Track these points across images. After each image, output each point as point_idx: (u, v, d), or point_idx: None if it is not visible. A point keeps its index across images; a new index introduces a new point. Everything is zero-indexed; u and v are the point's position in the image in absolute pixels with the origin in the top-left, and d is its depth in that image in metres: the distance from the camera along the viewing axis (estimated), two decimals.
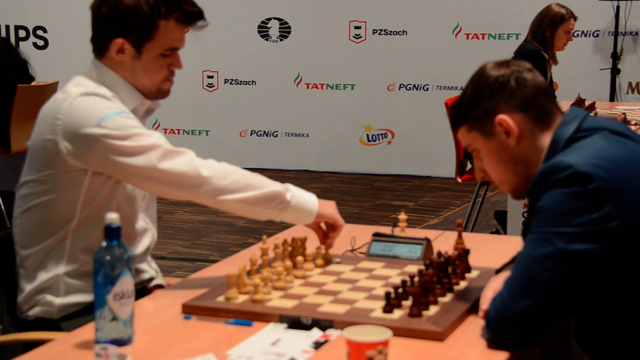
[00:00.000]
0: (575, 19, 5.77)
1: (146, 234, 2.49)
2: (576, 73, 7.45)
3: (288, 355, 1.76)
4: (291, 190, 2.29)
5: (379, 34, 8.10)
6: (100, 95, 2.27)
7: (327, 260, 2.34)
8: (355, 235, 2.57)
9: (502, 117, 1.95)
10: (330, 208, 2.35)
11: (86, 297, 2.31)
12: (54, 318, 2.31)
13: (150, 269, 2.54)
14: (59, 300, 2.31)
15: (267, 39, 8.34)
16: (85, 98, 2.24)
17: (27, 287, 2.33)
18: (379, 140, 8.25)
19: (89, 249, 2.31)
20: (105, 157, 2.20)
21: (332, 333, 1.88)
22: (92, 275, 2.28)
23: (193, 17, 2.35)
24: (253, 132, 8.50)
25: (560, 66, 5.94)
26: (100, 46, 2.34)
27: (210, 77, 8.50)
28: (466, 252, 2.23)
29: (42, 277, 2.31)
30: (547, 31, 5.69)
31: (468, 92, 2.00)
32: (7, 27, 8.84)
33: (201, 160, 2.25)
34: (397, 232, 2.57)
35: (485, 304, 1.91)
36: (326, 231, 2.38)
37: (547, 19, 5.70)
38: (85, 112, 2.21)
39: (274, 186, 2.26)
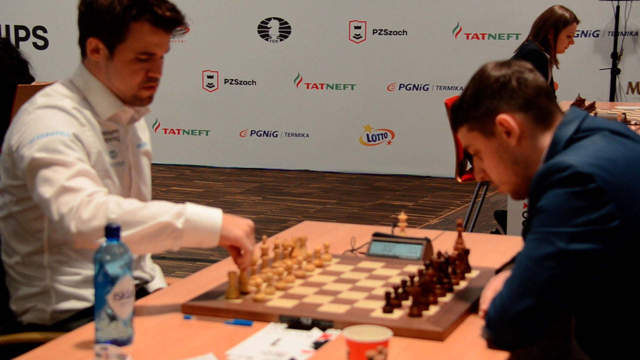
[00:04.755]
0: (577, 22, 5.75)
1: None
2: (576, 73, 7.45)
3: (288, 355, 1.76)
4: (185, 215, 2.04)
5: (379, 34, 8.10)
6: (58, 107, 2.23)
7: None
8: (355, 235, 2.57)
9: (503, 117, 1.95)
10: (237, 230, 2.06)
11: (79, 304, 2.31)
12: (47, 324, 2.30)
13: (144, 274, 2.53)
14: (51, 308, 2.30)
15: (267, 39, 8.34)
16: (39, 112, 2.22)
17: (17, 293, 2.33)
18: (379, 140, 8.25)
19: (72, 263, 2.30)
20: (25, 176, 2.17)
21: (332, 333, 1.88)
22: (83, 284, 2.30)
23: (166, 21, 2.26)
24: (253, 132, 8.50)
25: (561, 66, 5.94)
26: (81, 46, 2.33)
27: (210, 77, 8.50)
28: (466, 252, 2.23)
29: (29, 285, 2.31)
30: (550, 34, 5.67)
31: (469, 92, 2.00)
32: (7, 27, 8.85)
33: (83, 204, 2.05)
34: (397, 232, 2.57)
35: (485, 304, 1.91)
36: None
37: (551, 22, 5.67)
38: (29, 128, 2.19)
39: (160, 217, 2.03)
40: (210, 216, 2.06)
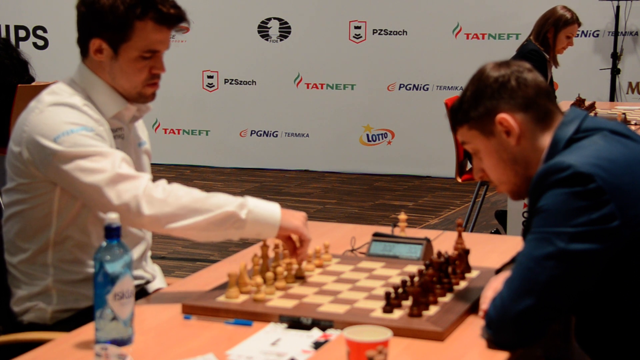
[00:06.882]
0: (579, 24, 5.75)
1: (140, 241, 2.47)
2: (576, 73, 7.45)
3: (288, 355, 1.76)
4: (248, 206, 2.14)
5: (379, 34, 8.10)
6: (70, 105, 2.23)
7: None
8: (355, 235, 2.57)
9: (503, 116, 1.95)
10: (296, 220, 2.18)
11: (80, 304, 2.30)
12: (48, 324, 2.30)
13: (145, 273, 2.53)
14: (51, 308, 2.30)
15: (267, 39, 8.34)
16: (53, 109, 2.22)
17: (18, 293, 2.32)
18: (379, 140, 8.25)
19: (75, 261, 2.30)
20: (58, 172, 2.17)
21: (332, 333, 1.88)
22: (85, 283, 2.30)
23: (170, 18, 2.28)
24: (253, 132, 8.50)
25: (561, 66, 5.94)
26: (82, 47, 2.33)
27: (210, 77, 8.50)
28: (466, 252, 2.23)
29: (31, 285, 2.31)
30: (550, 32, 5.68)
31: (468, 93, 2.00)
32: (7, 27, 8.85)
33: (150, 188, 2.12)
34: (397, 232, 2.57)
35: (485, 304, 1.91)
36: (297, 245, 2.21)
37: (551, 21, 5.68)
38: (47, 125, 2.19)
39: (226, 207, 2.12)
40: (270, 208, 2.17)
